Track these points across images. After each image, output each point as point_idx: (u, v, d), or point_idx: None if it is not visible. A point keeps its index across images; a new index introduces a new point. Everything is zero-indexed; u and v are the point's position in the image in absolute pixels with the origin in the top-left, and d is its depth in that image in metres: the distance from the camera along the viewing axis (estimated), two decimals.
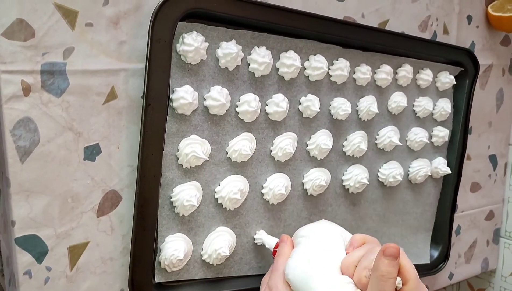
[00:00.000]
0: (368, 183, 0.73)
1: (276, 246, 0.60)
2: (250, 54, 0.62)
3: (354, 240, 0.54)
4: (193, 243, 0.61)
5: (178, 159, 0.59)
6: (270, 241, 0.63)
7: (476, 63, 0.83)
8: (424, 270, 0.83)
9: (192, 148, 0.59)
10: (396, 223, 0.80)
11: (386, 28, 0.75)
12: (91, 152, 0.56)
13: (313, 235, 0.55)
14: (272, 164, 0.66)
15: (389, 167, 0.77)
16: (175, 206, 0.59)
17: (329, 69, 0.69)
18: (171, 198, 0.59)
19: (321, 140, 0.68)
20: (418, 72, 0.79)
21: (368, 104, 0.72)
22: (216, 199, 0.62)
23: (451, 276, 0.94)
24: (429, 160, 0.81)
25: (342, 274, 0.50)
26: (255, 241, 0.65)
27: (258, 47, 0.62)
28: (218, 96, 0.59)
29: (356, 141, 0.71)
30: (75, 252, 0.56)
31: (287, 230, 0.68)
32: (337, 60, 0.69)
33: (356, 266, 0.50)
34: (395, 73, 0.76)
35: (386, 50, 0.74)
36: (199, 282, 0.63)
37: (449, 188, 0.85)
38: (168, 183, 0.59)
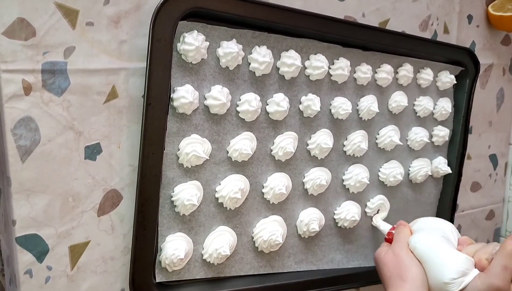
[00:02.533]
0: (368, 183, 0.73)
1: (392, 229, 0.68)
2: (251, 53, 0.62)
3: (462, 240, 0.62)
4: (193, 242, 0.61)
5: (178, 158, 0.59)
6: (384, 226, 0.71)
7: (476, 63, 0.83)
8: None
9: (193, 147, 0.59)
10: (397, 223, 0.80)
11: (387, 27, 0.75)
12: (92, 151, 0.56)
13: (433, 222, 0.65)
14: (273, 163, 0.66)
15: (389, 167, 0.77)
16: (175, 205, 0.59)
17: (330, 68, 0.69)
18: (172, 197, 0.59)
19: (322, 140, 0.68)
20: (419, 72, 0.79)
21: (369, 104, 0.72)
22: (217, 198, 0.62)
23: None
24: (430, 159, 0.81)
25: None
26: (372, 223, 0.74)
27: (259, 46, 0.62)
28: (218, 96, 0.59)
29: (357, 140, 0.71)
30: (76, 251, 0.56)
31: (287, 229, 0.68)
32: (338, 59, 0.69)
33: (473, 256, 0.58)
34: (396, 72, 0.76)
35: (387, 49, 0.74)
36: (200, 282, 0.63)
37: (449, 187, 0.85)
38: (169, 182, 0.59)
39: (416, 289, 0.57)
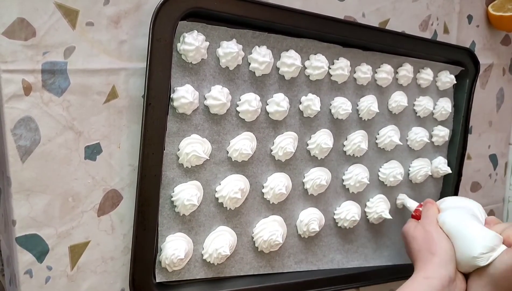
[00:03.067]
0: (368, 183, 0.73)
1: (419, 207, 0.71)
2: (251, 53, 0.62)
3: (490, 219, 0.64)
4: (193, 242, 0.61)
5: (178, 158, 0.59)
6: (411, 204, 0.74)
7: (476, 63, 0.83)
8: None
9: (193, 147, 0.59)
10: (397, 222, 0.80)
11: (387, 27, 0.75)
12: (92, 151, 0.56)
13: (461, 201, 0.68)
14: (273, 163, 0.66)
15: (389, 167, 0.77)
16: (175, 206, 0.59)
17: (330, 68, 0.69)
18: (172, 197, 0.59)
19: (322, 140, 0.68)
20: (419, 72, 0.79)
21: (369, 104, 0.72)
22: (217, 198, 0.62)
23: None
24: (430, 159, 0.81)
25: None
26: (397, 202, 0.77)
27: (259, 46, 0.62)
28: (218, 96, 0.59)
29: (357, 140, 0.71)
30: (76, 251, 0.56)
31: (288, 229, 0.68)
32: (338, 59, 0.69)
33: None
34: (396, 72, 0.76)
35: (387, 49, 0.74)
36: (200, 282, 0.63)
37: (449, 187, 0.85)
38: (169, 182, 0.59)
39: (445, 262, 0.59)
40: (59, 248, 0.55)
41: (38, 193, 0.53)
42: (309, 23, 0.64)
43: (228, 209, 0.63)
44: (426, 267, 0.60)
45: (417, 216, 0.70)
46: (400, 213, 0.79)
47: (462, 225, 0.61)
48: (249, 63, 0.62)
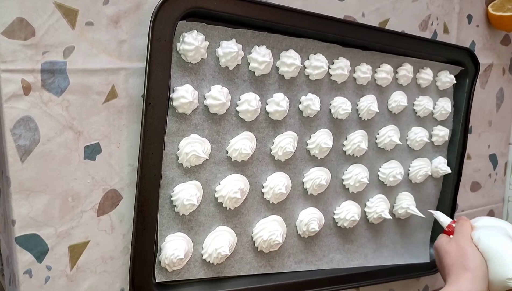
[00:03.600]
0: (368, 182, 0.73)
1: (452, 223, 0.71)
2: (251, 53, 0.62)
3: None
4: (193, 242, 0.61)
5: (178, 158, 0.59)
6: (445, 219, 0.74)
7: (476, 63, 0.83)
8: (424, 270, 0.83)
9: (193, 147, 0.59)
10: (396, 222, 0.80)
11: (387, 27, 0.75)
12: (91, 151, 0.56)
13: (495, 221, 0.68)
14: (273, 163, 0.66)
15: (389, 166, 0.77)
16: (175, 205, 0.59)
17: (329, 68, 0.69)
18: (172, 197, 0.59)
19: (321, 140, 0.68)
20: (419, 72, 0.79)
21: (369, 104, 0.72)
22: (217, 198, 0.62)
23: None
24: (429, 159, 0.81)
25: None
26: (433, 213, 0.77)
27: (259, 46, 0.62)
28: (218, 95, 0.59)
29: (357, 140, 0.71)
30: (76, 251, 0.56)
31: (288, 229, 0.68)
32: (338, 59, 0.69)
33: None
34: (395, 72, 0.76)
35: (387, 49, 0.73)
36: (200, 282, 0.63)
37: (449, 187, 0.85)
38: (169, 182, 0.59)
39: (478, 279, 0.60)
40: (59, 248, 0.55)
41: (38, 193, 0.53)
42: (309, 23, 0.64)
43: (227, 208, 0.63)
44: (459, 281, 0.60)
45: (450, 231, 0.70)
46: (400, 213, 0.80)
47: (498, 245, 0.62)
48: (249, 63, 0.62)
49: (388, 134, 0.75)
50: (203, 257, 0.62)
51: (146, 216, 0.57)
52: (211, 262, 0.62)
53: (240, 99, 0.62)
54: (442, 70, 0.81)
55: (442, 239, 0.68)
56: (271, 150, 0.66)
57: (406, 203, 0.78)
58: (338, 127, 0.71)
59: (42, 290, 0.55)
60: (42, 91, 0.52)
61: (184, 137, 0.59)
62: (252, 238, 0.66)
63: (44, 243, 0.54)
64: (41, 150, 0.53)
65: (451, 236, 0.68)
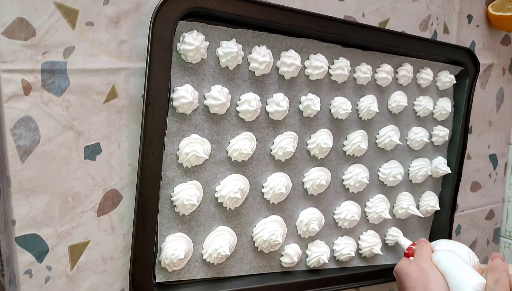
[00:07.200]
0: (368, 182, 0.73)
1: (412, 245, 0.72)
2: (251, 53, 0.62)
3: (477, 267, 0.64)
4: (193, 242, 0.61)
5: (178, 158, 0.59)
6: (405, 242, 0.75)
7: (476, 63, 0.83)
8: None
9: (193, 147, 0.59)
10: (396, 222, 0.80)
11: (387, 27, 0.75)
12: (92, 151, 0.56)
13: (454, 244, 0.70)
14: (273, 163, 0.66)
15: (389, 166, 0.77)
16: (175, 205, 0.59)
17: (330, 68, 0.69)
18: (172, 197, 0.59)
19: (322, 140, 0.68)
20: (419, 72, 0.79)
21: (369, 104, 0.72)
22: (217, 198, 0.62)
23: None
24: (429, 159, 0.81)
25: None
26: (387, 239, 0.78)
27: (259, 46, 0.62)
28: (218, 96, 0.59)
29: (357, 140, 0.71)
30: (76, 251, 0.56)
31: (288, 229, 0.68)
32: (338, 59, 0.69)
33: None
34: (396, 72, 0.76)
35: (387, 49, 0.74)
36: (200, 282, 0.63)
37: (449, 187, 0.85)
38: (169, 182, 0.59)
39: None
40: (59, 248, 0.55)
41: (38, 193, 0.53)
42: (309, 23, 0.64)
43: (228, 209, 0.63)
44: None
45: (409, 254, 0.70)
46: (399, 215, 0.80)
47: (456, 266, 0.62)
48: (249, 63, 0.62)
49: (388, 135, 0.75)
50: (203, 257, 0.62)
51: (146, 216, 0.57)
52: (211, 262, 0.62)
53: (240, 99, 0.62)
54: (442, 70, 0.81)
55: (402, 262, 0.68)
56: (271, 150, 0.66)
57: (406, 203, 0.78)
58: (338, 127, 0.71)
59: (42, 290, 0.55)
60: (42, 91, 0.52)
61: (184, 138, 0.59)
62: (252, 238, 0.66)
63: (44, 243, 0.54)
64: (41, 150, 0.53)
65: (411, 258, 0.69)
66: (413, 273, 0.64)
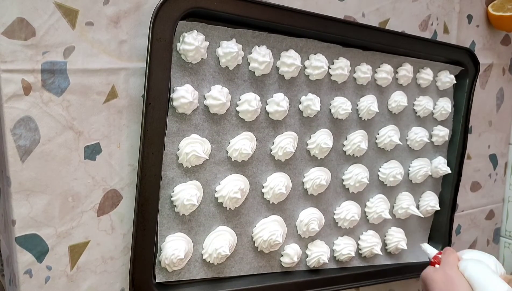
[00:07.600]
0: (368, 182, 0.73)
1: (438, 254, 0.72)
2: (251, 53, 0.62)
3: (504, 277, 0.65)
4: (193, 242, 0.61)
5: (178, 158, 0.59)
6: (431, 250, 0.74)
7: (476, 63, 0.83)
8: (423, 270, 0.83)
9: (193, 147, 0.59)
10: (396, 222, 0.80)
11: (387, 27, 0.75)
12: (92, 151, 0.56)
13: (481, 254, 0.69)
14: (273, 163, 0.66)
15: (389, 166, 0.77)
16: (175, 205, 0.59)
17: (330, 68, 0.69)
18: (172, 197, 0.59)
19: (322, 140, 0.68)
20: (419, 72, 0.79)
21: (369, 104, 0.72)
22: (217, 198, 0.62)
23: None
24: (429, 159, 0.81)
25: None
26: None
27: (259, 46, 0.62)
28: (218, 96, 0.59)
29: (357, 140, 0.71)
30: (76, 251, 0.56)
31: (288, 229, 0.68)
32: (338, 59, 0.69)
33: None
34: (396, 72, 0.76)
35: (387, 49, 0.74)
36: (200, 282, 0.63)
37: (449, 187, 0.85)
38: (169, 182, 0.59)
39: None
40: (59, 248, 0.55)
41: (38, 193, 0.53)
42: (309, 23, 0.64)
43: (228, 209, 0.63)
44: None
45: (435, 262, 0.71)
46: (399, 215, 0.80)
47: (482, 274, 0.63)
48: (249, 63, 0.62)
49: (388, 135, 0.75)
50: (203, 257, 0.62)
51: (146, 216, 0.57)
52: (211, 262, 0.62)
53: (240, 99, 0.62)
54: (442, 70, 0.81)
55: (428, 269, 0.69)
56: (271, 150, 0.66)
57: (406, 203, 0.78)
58: (338, 127, 0.71)
59: (42, 290, 0.55)
60: (42, 91, 0.52)
61: (184, 138, 0.59)
62: (252, 238, 0.66)
63: (44, 243, 0.54)
64: (41, 150, 0.53)
65: (437, 266, 0.69)
66: (439, 279, 0.65)
